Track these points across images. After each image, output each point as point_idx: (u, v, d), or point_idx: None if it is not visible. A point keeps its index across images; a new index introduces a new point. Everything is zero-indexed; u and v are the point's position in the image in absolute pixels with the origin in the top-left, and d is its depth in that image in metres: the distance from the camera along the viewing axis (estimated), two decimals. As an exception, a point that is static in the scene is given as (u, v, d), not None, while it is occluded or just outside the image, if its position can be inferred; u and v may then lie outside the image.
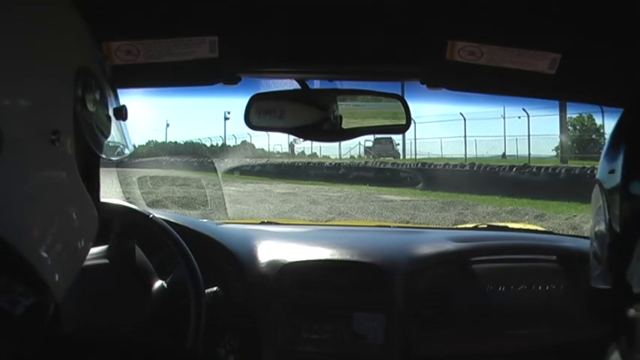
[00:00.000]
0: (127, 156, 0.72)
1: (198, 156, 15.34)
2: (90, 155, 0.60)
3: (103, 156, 0.63)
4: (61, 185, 0.54)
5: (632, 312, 0.63)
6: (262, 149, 20.97)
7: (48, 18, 0.55)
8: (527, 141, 14.44)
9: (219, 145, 21.36)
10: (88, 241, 0.60)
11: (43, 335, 0.49)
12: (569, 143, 15.04)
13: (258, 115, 1.11)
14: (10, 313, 0.46)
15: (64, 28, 0.57)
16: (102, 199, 1.28)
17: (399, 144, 18.02)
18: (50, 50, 0.53)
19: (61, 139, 0.52)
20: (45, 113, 0.51)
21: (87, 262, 1.19)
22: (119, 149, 0.68)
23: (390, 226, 2.51)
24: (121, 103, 0.67)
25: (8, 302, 0.46)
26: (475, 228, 1.94)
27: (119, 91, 0.68)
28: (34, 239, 0.51)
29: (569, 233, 4.55)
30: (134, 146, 0.73)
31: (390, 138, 17.22)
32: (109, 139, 0.64)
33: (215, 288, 1.33)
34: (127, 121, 0.67)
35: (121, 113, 0.65)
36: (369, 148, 18.19)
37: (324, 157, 19.07)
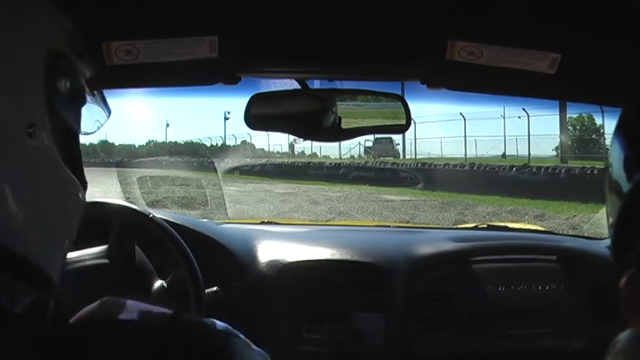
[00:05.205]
0: (105, 123, 0.68)
1: (198, 156, 15.36)
2: (68, 134, 0.56)
3: (82, 132, 0.59)
4: (44, 176, 0.50)
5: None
6: (262, 149, 21.04)
7: None
8: (527, 141, 14.48)
9: (219, 145, 21.45)
10: (75, 218, 0.57)
11: (45, 332, 0.48)
12: (569, 143, 15.07)
13: (259, 115, 1.11)
14: (9, 312, 0.45)
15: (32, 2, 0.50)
16: (102, 199, 1.29)
17: (399, 144, 18.08)
18: (18, 33, 0.47)
19: (37, 130, 0.48)
20: (20, 106, 0.47)
21: (87, 262, 1.21)
22: (96, 120, 0.64)
23: (390, 226, 2.51)
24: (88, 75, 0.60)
25: (9, 301, 0.46)
26: (475, 228, 1.94)
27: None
28: (26, 234, 0.49)
29: (569, 233, 4.55)
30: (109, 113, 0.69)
31: (390, 138, 17.25)
32: (84, 112, 0.59)
33: (215, 288, 1.33)
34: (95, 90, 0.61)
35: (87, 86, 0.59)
36: (369, 148, 18.21)
37: (324, 157, 19.11)
